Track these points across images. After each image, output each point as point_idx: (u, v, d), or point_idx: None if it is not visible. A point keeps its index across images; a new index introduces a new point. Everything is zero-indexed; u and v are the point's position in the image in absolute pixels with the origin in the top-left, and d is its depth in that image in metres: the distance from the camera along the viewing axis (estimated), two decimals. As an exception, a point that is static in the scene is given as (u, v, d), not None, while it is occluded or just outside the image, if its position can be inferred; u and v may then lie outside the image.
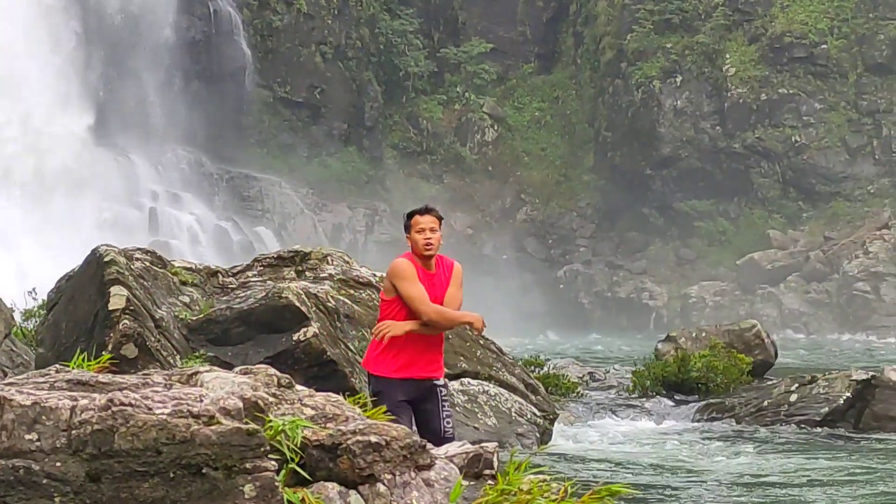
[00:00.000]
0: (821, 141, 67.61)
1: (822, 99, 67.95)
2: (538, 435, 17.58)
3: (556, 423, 18.93)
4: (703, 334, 26.89)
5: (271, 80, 67.16)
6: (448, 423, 9.58)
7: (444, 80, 73.42)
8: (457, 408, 16.56)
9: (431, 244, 9.52)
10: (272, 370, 6.45)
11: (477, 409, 17.14)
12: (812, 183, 67.46)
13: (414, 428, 9.27)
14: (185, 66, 63.74)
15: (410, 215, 9.67)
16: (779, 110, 67.93)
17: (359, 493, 5.73)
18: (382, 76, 71.13)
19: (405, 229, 9.65)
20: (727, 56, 68.83)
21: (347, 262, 16.90)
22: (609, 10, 72.66)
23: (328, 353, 15.12)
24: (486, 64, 73.66)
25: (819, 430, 21.08)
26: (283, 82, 67.51)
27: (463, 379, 17.43)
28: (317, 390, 6.49)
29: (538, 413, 17.97)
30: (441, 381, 9.70)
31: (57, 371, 6.07)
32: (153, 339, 14.79)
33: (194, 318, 15.52)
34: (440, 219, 9.68)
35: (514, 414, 17.51)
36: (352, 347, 15.65)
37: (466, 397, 17.20)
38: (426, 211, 9.67)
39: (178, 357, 14.85)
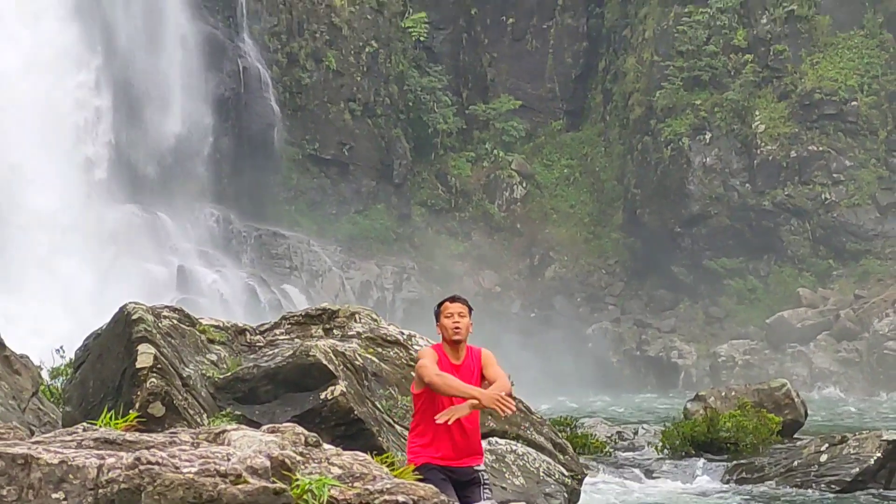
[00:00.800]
0: (851, 198, 67.35)
1: (853, 156, 67.73)
2: (566, 495, 17.44)
3: (584, 483, 18.80)
4: (733, 393, 26.76)
5: (300, 137, 67.43)
6: None
7: (472, 137, 73.59)
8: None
9: (459, 328, 9.65)
10: (299, 429, 6.43)
11: (504, 469, 17.04)
12: (842, 241, 67.15)
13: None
14: (213, 124, 64.05)
15: (440, 304, 9.85)
16: (809, 167, 67.76)
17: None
18: (411, 133, 71.35)
19: (435, 318, 9.82)
20: (756, 113, 68.76)
21: (375, 320, 16.87)
22: (638, 67, 72.79)
23: (356, 412, 15.07)
24: (515, 121, 73.83)
25: (850, 491, 20.87)
26: (311, 139, 67.77)
27: (491, 438, 17.33)
28: (344, 449, 6.46)
29: (566, 473, 17.84)
30: (481, 467, 9.84)
31: (84, 429, 6.05)
32: (180, 397, 14.77)
33: (221, 377, 15.50)
34: (470, 308, 9.84)
35: (541, 474, 17.39)
36: (379, 406, 15.60)
37: (494, 457, 17.09)
38: (455, 299, 9.86)
39: (205, 415, 14.82)
